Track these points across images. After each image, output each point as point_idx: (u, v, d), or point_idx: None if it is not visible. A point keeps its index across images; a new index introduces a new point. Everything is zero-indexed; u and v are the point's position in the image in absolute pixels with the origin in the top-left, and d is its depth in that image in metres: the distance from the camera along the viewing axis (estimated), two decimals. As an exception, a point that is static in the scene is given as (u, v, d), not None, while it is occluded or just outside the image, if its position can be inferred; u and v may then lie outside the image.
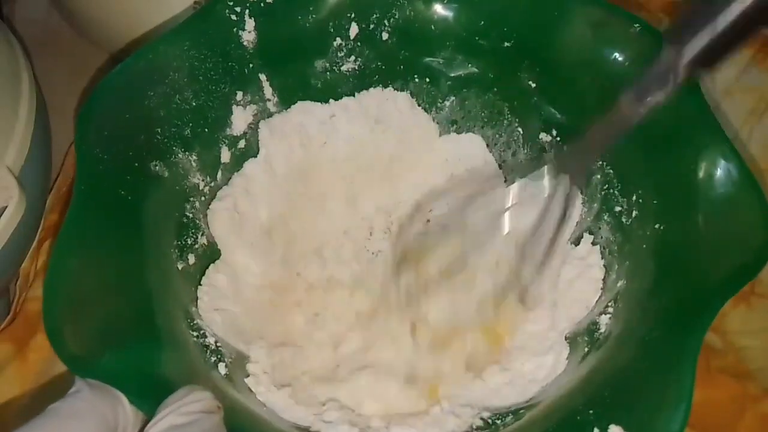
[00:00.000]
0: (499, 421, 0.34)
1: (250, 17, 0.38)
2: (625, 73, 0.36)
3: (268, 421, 0.33)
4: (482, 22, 0.39)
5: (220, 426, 0.27)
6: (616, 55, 0.36)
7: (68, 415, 0.25)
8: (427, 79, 0.42)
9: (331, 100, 0.42)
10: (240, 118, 0.40)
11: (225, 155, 0.40)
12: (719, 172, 0.31)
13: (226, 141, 0.40)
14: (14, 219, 0.37)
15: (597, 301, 0.36)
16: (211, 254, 0.39)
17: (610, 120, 0.30)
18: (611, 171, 0.37)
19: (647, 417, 0.27)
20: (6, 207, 0.37)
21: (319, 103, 0.42)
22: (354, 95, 0.42)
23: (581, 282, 0.37)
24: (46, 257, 0.42)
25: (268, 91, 0.40)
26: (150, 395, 0.27)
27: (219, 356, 0.35)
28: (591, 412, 0.29)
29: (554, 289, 0.38)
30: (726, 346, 0.40)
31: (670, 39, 0.26)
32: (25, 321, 0.40)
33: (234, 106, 0.40)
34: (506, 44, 0.39)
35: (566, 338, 0.36)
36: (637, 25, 0.35)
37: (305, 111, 0.42)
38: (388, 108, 0.43)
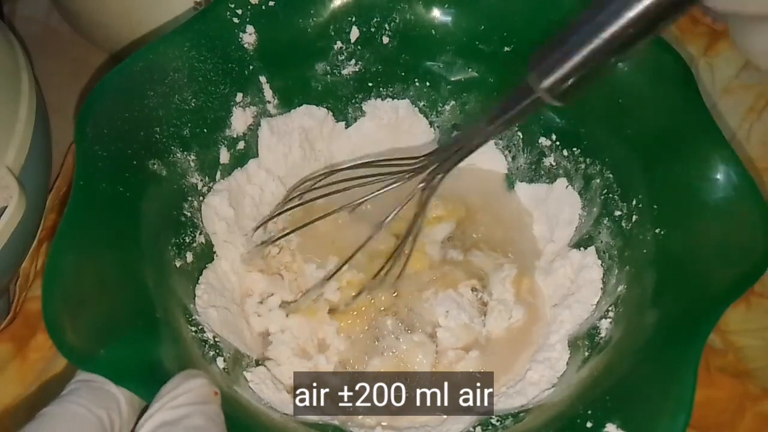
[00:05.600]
0: (498, 423, 0.34)
1: (251, 19, 0.38)
2: (624, 77, 0.36)
3: (267, 414, 0.33)
4: (482, 27, 0.40)
5: (216, 414, 0.27)
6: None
7: (60, 419, 0.25)
8: (428, 83, 0.42)
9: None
10: (240, 120, 0.40)
11: (224, 156, 0.40)
12: (719, 177, 0.32)
13: (225, 142, 0.40)
14: (14, 219, 0.37)
15: (597, 304, 0.36)
16: (209, 253, 0.39)
17: (471, 130, 0.32)
18: (611, 175, 0.37)
19: (647, 423, 0.27)
20: (6, 207, 0.37)
21: (320, 107, 0.42)
22: (355, 100, 0.42)
23: (580, 283, 0.37)
24: (47, 257, 0.42)
25: (268, 93, 0.40)
26: (150, 385, 0.27)
27: (217, 351, 0.35)
28: (591, 415, 0.29)
29: (554, 291, 0.38)
30: (726, 345, 0.40)
31: (532, 65, 0.27)
32: (26, 320, 0.40)
33: (234, 108, 0.40)
34: (506, 49, 0.40)
35: (567, 342, 0.36)
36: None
37: (307, 113, 0.42)
38: (389, 115, 0.43)
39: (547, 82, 0.27)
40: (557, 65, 0.26)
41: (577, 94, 0.27)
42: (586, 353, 0.34)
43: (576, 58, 0.26)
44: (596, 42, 0.25)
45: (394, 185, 0.37)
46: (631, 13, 0.23)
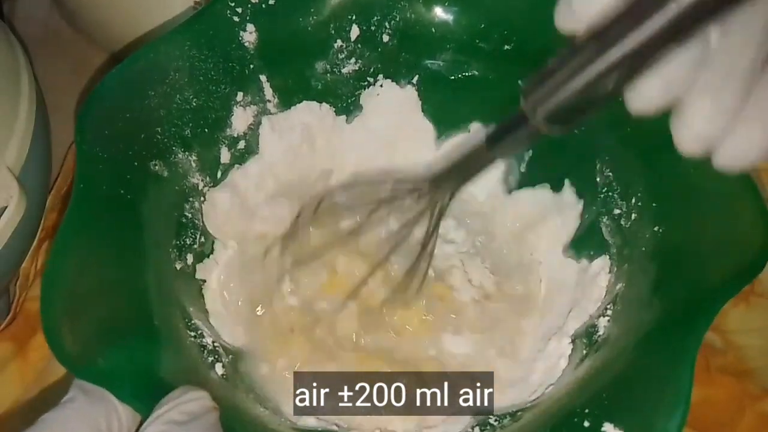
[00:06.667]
0: (496, 423, 0.34)
1: (251, 18, 0.38)
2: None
3: (266, 422, 0.33)
4: (482, 25, 0.39)
5: (217, 426, 0.27)
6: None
7: (59, 425, 0.25)
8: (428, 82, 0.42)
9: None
10: (240, 119, 0.40)
11: (225, 156, 0.40)
12: (717, 174, 0.31)
13: (226, 141, 0.40)
14: (14, 219, 0.37)
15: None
16: (211, 254, 0.39)
17: (471, 156, 0.29)
18: (610, 174, 0.37)
19: (645, 419, 0.27)
20: (6, 207, 0.37)
21: (321, 103, 0.42)
22: (355, 96, 0.42)
23: (587, 292, 0.37)
24: (46, 257, 0.42)
25: (268, 92, 0.40)
26: (146, 396, 0.27)
27: (216, 356, 0.35)
28: (588, 414, 0.29)
29: (558, 295, 0.38)
30: (726, 345, 0.40)
31: (526, 93, 0.24)
32: (26, 320, 0.40)
33: (234, 107, 0.40)
34: (506, 47, 0.39)
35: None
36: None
37: (307, 109, 0.42)
38: (390, 107, 0.43)
39: (544, 112, 0.24)
40: (553, 93, 0.23)
41: (576, 122, 0.24)
42: (584, 351, 0.34)
43: (574, 85, 0.22)
44: (597, 66, 0.22)
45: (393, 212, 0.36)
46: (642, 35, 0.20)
